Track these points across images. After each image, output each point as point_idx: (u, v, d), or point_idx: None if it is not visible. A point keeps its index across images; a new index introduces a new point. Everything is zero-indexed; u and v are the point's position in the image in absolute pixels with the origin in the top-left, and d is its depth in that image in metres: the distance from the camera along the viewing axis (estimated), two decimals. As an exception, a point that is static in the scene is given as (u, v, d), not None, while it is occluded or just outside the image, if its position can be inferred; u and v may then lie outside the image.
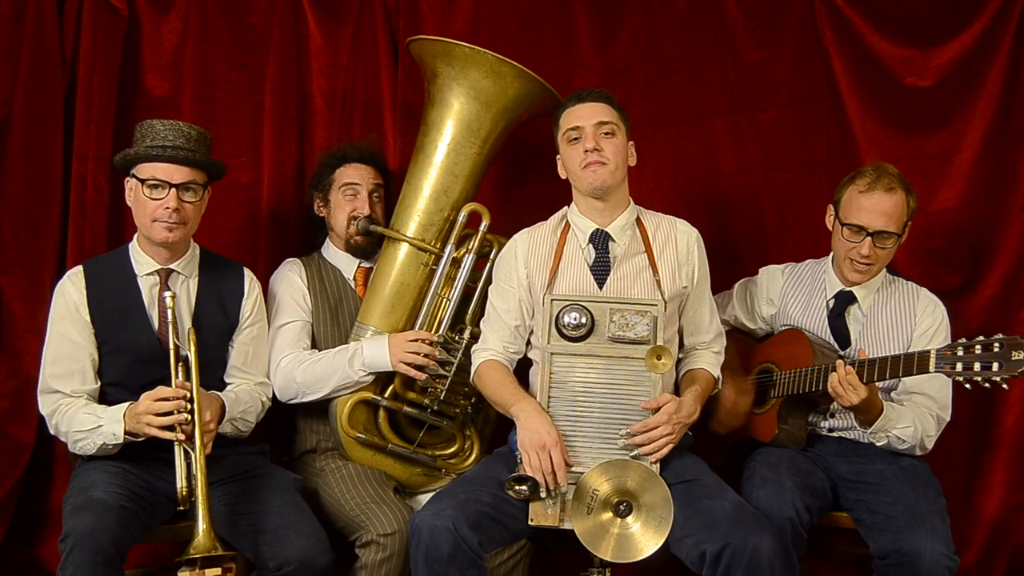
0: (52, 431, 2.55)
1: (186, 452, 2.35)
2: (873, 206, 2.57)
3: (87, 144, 3.02)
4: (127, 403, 2.41)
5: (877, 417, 2.52)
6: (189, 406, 2.35)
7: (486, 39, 3.05)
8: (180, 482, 2.34)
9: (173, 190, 2.47)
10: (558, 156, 2.64)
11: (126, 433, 2.37)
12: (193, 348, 2.46)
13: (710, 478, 2.40)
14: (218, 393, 2.55)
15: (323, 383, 2.71)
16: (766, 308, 2.85)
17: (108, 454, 2.44)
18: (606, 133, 2.53)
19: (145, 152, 2.49)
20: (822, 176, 3.14)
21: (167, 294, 2.50)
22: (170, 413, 2.34)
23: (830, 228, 2.72)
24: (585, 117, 2.54)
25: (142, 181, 2.49)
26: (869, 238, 2.58)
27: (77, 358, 2.49)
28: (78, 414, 2.43)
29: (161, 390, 2.37)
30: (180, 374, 2.42)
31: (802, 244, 3.05)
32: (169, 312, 2.47)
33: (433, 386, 2.73)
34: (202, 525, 2.24)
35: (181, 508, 2.35)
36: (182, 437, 2.34)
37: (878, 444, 2.57)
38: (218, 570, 2.17)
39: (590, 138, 2.51)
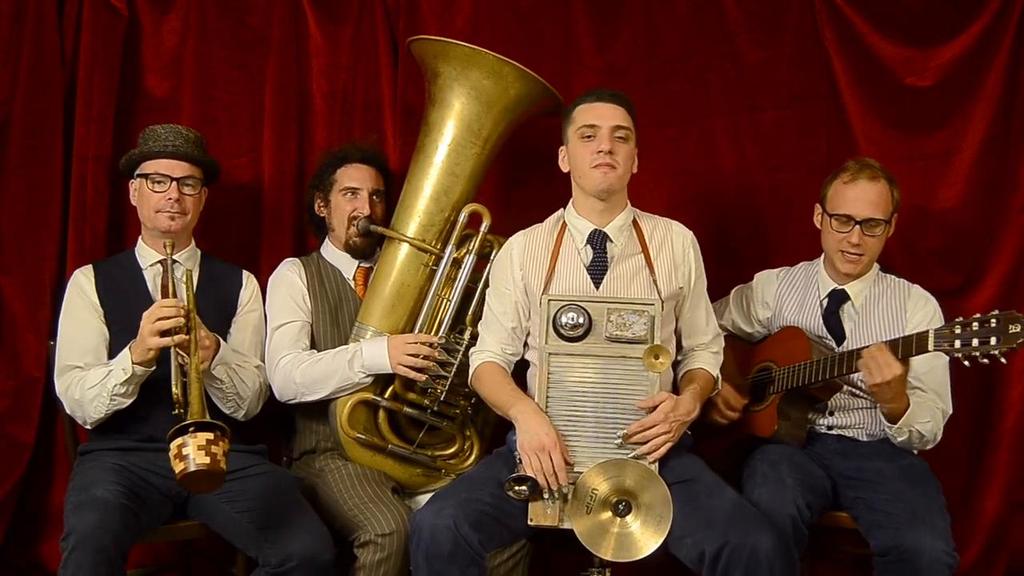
0: (68, 409, 2.59)
1: (182, 366, 2.42)
2: (859, 195, 2.63)
3: (87, 144, 3.02)
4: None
5: (904, 411, 2.50)
6: (186, 321, 2.45)
7: (486, 39, 3.05)
8: (175, 388, 2.39)
9: (174, 183, 2.68)
10: (562, 148, 2.62)
11: (134, 364, 2.46)
12: (192, 276, 2.65)
13: (709, 477, 2.40)
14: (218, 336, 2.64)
15: (322, 384, 2.70)
16: (762, 311, 2.87)
17: (120, 407, 2.51)
18: (620, 138, 2.51)
19: (149, 150, 2.69)
20: (822, 176, 3.10)
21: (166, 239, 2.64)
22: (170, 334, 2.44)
23: (818, 226, 2.76)
24: (604, 117, 2.51)
25: (146, 176, 2.68)
26: (858, 227, 2.63)
27: (91, 337, 2.63)
28: (90, 374, 2.54)
29: (160, 302, 2.50)
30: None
31: (802, 244, 3.04)
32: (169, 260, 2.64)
33: (433, 387, 2.72)
34: (195, 404, 2.25)
35: (176, 412, 2.35)
36: (184, 338, 2.42)
37: (898, 440, 2.54)
38: (211, 434, 2.17)
39: (606, 140, 2.49)
